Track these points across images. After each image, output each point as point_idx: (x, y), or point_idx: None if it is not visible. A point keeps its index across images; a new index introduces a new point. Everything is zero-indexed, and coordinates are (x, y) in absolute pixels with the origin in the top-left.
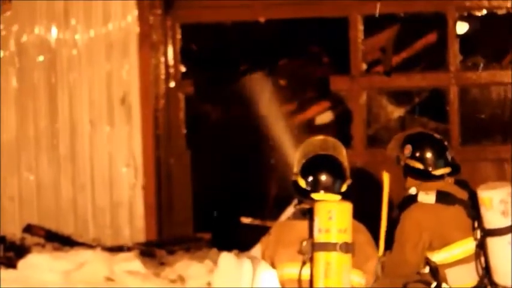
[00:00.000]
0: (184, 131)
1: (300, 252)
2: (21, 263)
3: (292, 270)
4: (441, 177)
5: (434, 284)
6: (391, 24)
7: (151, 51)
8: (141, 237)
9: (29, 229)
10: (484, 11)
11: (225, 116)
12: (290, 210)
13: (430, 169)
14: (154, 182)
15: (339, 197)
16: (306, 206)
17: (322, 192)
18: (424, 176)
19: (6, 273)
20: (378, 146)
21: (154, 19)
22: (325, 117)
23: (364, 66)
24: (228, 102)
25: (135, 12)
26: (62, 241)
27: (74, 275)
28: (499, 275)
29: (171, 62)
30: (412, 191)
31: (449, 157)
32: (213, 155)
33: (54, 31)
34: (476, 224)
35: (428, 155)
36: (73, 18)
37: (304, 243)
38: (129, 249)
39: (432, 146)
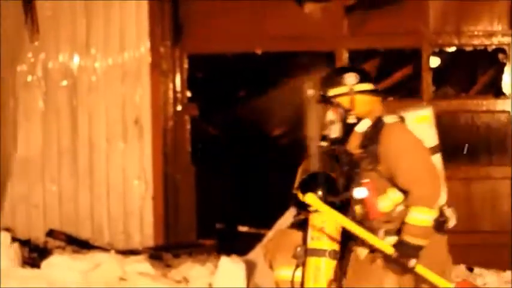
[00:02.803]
0: (189, 149)
1: (294, 256)
2: (45, 263)
3: (287, 272)
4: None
5: None
6: (372, 57)
7: (161, 78)
8: (150, 243)
9: (51, 233)
10: (454, 48)
11: (225, 135)
12: (284, 220)
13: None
14: (163, 194)
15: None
16: (302, 217)
17: None
18: (375, 92)
19: (31, 272)
20: None
21: (165, 50)
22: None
23: None
24: (228, 124)
25: (148, 44)
26: (80, 244)
27: (91, 275)
28: None
29: (178, 88)
30: (365, 123)
31: None
32: (215, 170)
33: (76, 59)
34: None
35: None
36: (93, 48)
37: (299, 249)
38: (139, 252)
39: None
